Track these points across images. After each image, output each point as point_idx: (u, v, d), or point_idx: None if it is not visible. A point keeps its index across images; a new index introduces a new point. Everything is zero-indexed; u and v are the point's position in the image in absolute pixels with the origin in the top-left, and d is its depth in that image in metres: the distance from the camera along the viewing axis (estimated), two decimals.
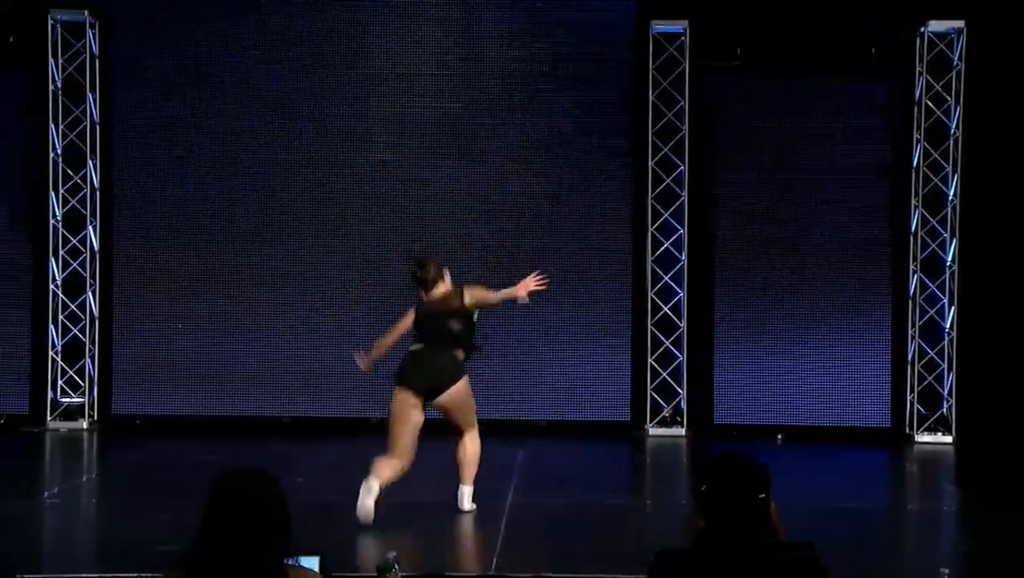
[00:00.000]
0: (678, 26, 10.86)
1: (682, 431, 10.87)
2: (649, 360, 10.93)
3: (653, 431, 10.88)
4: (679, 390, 10.95)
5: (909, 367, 10.83)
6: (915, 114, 10.78)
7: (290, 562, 3.16)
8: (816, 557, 3.32)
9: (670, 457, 10.41)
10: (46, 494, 8.32)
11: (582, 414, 10.97)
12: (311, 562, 3.81)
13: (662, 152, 10.94)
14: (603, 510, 7.91)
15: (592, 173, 10.95)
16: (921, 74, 10.72)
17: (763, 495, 3.31)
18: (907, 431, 10.81)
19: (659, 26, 10.88)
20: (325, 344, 10.91)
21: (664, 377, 10.95)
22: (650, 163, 10.93)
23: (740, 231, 10.94)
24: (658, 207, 10.97)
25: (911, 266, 10.84)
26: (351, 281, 10.97)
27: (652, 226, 10.97)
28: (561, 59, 10.93)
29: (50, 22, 10.90)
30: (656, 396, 10.96)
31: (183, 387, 10.97)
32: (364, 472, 7.13)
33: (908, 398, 10.83)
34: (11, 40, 10.91)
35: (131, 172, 11.01)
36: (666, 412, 10.96)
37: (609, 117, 10.92)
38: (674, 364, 10.97)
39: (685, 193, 10.94)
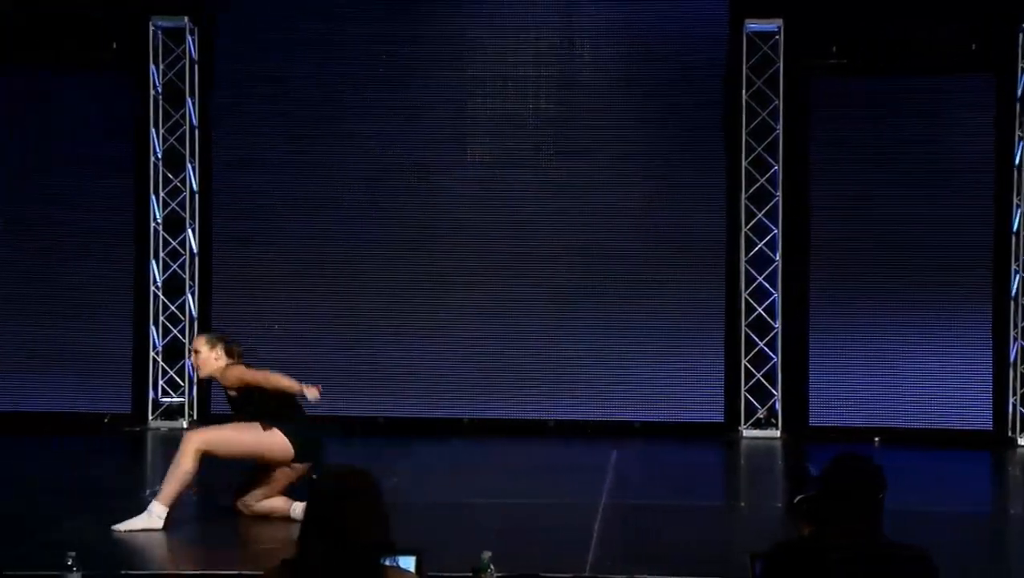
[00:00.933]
0: (772, 25, 10.78)
1: (777, 433, 10.78)
2: (743, 361, 10.85)
3: (747, 433, 10.80)
4: (774, 392, 10.86)
5: (1011, 369, 10.62)
6: (1016, 111, 10.58)
7: (388, 562, 3.19)
8: (930, 557, 3.31)
9: (765, 459, 10.32)
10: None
11: (675, 416, 10.92)
12: (408, 562, 3.84)
13: (756, 152, 10.86)
14: (697, 512, 7.87)
15: (685, 173, 10.90)
16: (1023, 70, 10.52)
17: (881, 496, 3.31)
18: (1009, 434, 10.60)
19: (753, 25, 10.80)
20: (421, 345, 10.98)
21: (758, 378, 10.86)
22: (743, 163, 10.85)
23: (836, 230, 10.80)
24: (752, 207, 10.89)
25: (1013, 266, 10.63)
26: (449, 283, 11.02)
27: (746, 227, 10.89)
28: (655, 59, 10.90)
29: (151, 29, 11.11)
30: (750, 398, 10.88)
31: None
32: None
33: (1010, 401, 10.63)
34: (114, 47, 11.14)
35: (229, 175, 11.17)
36: (760, 414, 10.87)
37: (702, 117, 10.86)
38: (768, 365, 10.88)
39: (779, 193, 10.84)
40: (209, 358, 7.16)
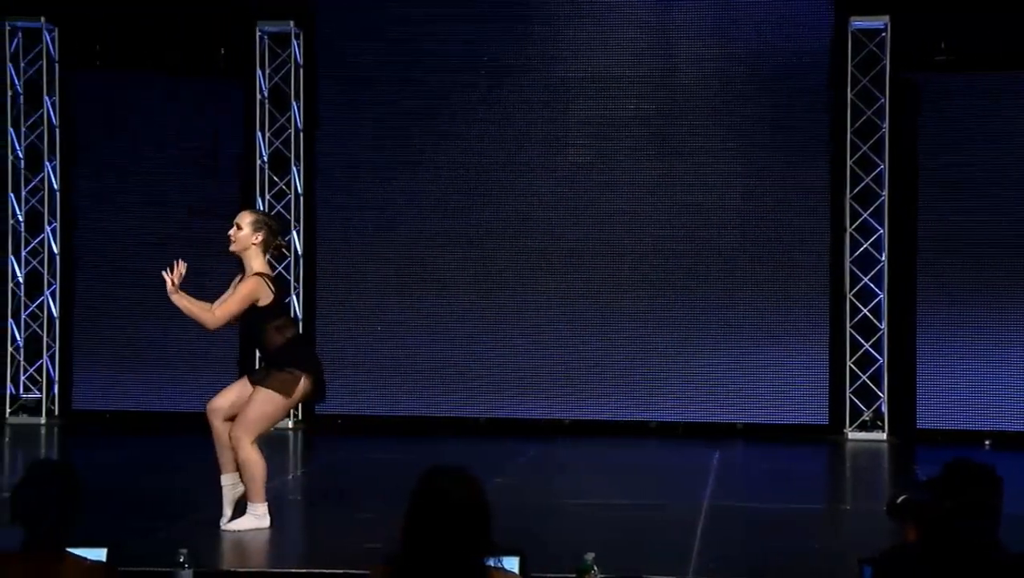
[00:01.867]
0: (879, 22, 10.63)
1: (883, 436, 10.63)
2: (848, 363, 10.71)
3: (852, 435, 10.66)
4: (879, 394, 10.70)
5: None
6: None
7: (491, 562, 3.20)
8: None
9: (871, 462, 10.18)
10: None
11: (778, 417, 10.82)
12: (511, 562, 3.85)
13: (861, 151, 10.72)
14: (801, 516, 7.79)
15: (788, 173, 10.79)
16: None
17: (997, 503, 3.24)
18: None
19: (858, 22, 10.66)
20: (522, 346, 11.01)
21: (863, 380, 10.72)
22: (848, 162, 10.71)
23: (944, 230, 10.62)
24: (857, 207, 10.75)
25: None
26: (549, 283, 11.04)
27: (851, 227, 10.75)
28: (756, 57, 10.81)
29: (258, 34, 11.28)
30: (855, 400, 10.74)
31: (381, 388, 11.21)
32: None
33: None
34: (222, 52, 11.33)
35: (333, 178, 11.30)
36: (866, 416, 10.72)
37: (805, 116, 10.75)
38: (874, 367, 10.72)
39: (885, 192, 10.69)
40: (247, 238, 6.81)
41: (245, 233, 6.78)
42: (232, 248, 6.85)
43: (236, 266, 7.03)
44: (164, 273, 6.66)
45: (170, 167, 11.42)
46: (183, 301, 6.68)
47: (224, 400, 6.87)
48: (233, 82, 11.38)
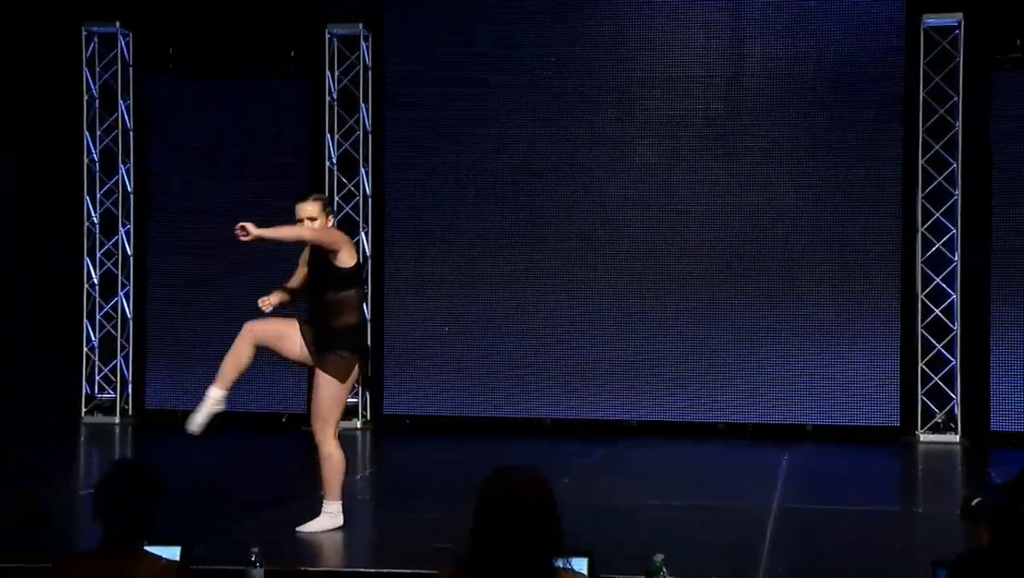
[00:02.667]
0: (952, 19, 10.51)
1: (956, 438, 10.50)
2: (920, 364, 10.60)
3: (924, 437, 10.55)
4: (952, 395, 10.58)
5: None
6: None
7: (560, 563, 3.20)
8: None
9: (943, 464, 10.06)
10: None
11: (849, 419, 10.73)
12: (580, 563, 3.85)
13: (933, 150, 10.60)
14: (872, 517, 7.71)
15: (859, 172, 10.70)
16: None
17: None
18: None
19: (931, 20, 10.55)
20: (588, 346, 11.01)
21: (936, 382, 10.59)
22: (920, 161, 10.60)
23: (1017, 229, 10.47)
24: (929, 206, 10.63)
25: None
26: (616, 284, 11.02)
27: (923, 226, 10.63)
28: (827, 56, 10.73)
29: (327, 36, 11.37)
30: (927, 401, 10.62)
31: (449, 388, 11.25)
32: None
33: None
34: (292, 55, 11.43)
35: (401, 179, 11.36)
36: (938, 418, 10.60)
37: (877, 114, 10.65)
38: (946, 368, 10.60)
39: (958, 192, 10.56)
40: (324, 224, 6.80)
41: (320, 221, 6.76)
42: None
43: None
44: (236, 230, 6.56)
45: (240, 167, 11.52)
46: (263, 232, 6.54)
47: (266, 331, 6.81)
48: (302, 84, 11.47)
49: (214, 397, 6.80)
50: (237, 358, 6.80)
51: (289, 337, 6.82)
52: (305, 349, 6.85)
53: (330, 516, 6.95)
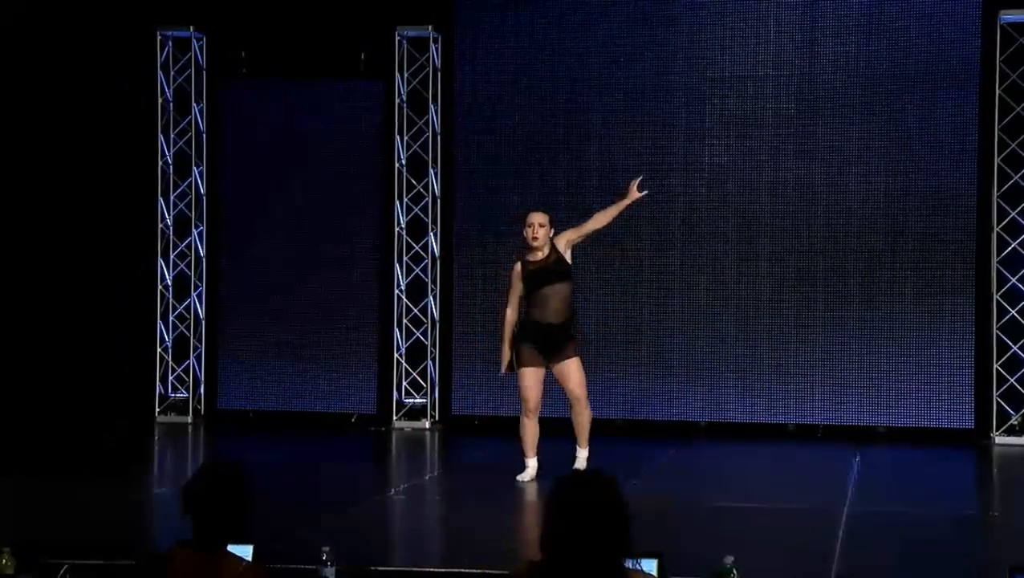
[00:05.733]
0: None
1: None
2: (994, 365, 10.45)
3: (999, 440, 10.40)
4: None
5: None
6: None
7: (630, 564, 3.20)
8: None
9: (1019, 467, 9.91)
10: (393, 491, 8.71)
11: (922, 420, 10.60)
12: (650, 565, 3.87)
13: (1009, 148, 10.46)
14: (946, 521, 7.61)
15: (932, 171, 10.57)
16: None
17: None
18: None
19: (1008, 16, 10.40)
20: (658, 347, 10.98)
21: (1011, 383, 10.44)
22: (996, 160, 10.46)
23: None
24: (1004, 205, 10.49)
25: None
26: (684, 284, 10.97)
27: (998, 226, 10.49)
28: (901, 53, 10.61)
29: (397, 38, 11.43)
30: (1002, 403, 10.47)
31: (517, 389, 11.21)
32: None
33: None
34: (363, 57, 11.51)
35: (470, 180, 11.38)
36: (1014, 420, 10.45)
37: (952, 112, 10.52)
38: (1022, 370, 10.44)
39: None
40: (548, 233, 8.30)
41: (546, 229, 8.30)
42: (537, 244, 8.28)
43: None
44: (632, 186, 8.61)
45: (311, 170, 11.62)
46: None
47: (538, 397, 8.41)
48: (373, 85, 11.54)
49: (533, 465, 8.45)
50: (533, 434, 8.48)
51: (537, 375, 8.37)
52: (544, 368, 8.38)
53: (583, 461, 8.37)
